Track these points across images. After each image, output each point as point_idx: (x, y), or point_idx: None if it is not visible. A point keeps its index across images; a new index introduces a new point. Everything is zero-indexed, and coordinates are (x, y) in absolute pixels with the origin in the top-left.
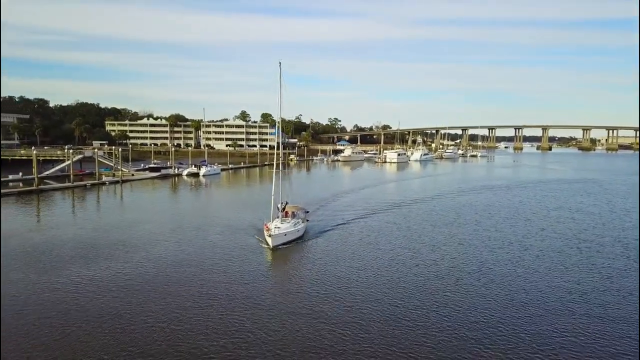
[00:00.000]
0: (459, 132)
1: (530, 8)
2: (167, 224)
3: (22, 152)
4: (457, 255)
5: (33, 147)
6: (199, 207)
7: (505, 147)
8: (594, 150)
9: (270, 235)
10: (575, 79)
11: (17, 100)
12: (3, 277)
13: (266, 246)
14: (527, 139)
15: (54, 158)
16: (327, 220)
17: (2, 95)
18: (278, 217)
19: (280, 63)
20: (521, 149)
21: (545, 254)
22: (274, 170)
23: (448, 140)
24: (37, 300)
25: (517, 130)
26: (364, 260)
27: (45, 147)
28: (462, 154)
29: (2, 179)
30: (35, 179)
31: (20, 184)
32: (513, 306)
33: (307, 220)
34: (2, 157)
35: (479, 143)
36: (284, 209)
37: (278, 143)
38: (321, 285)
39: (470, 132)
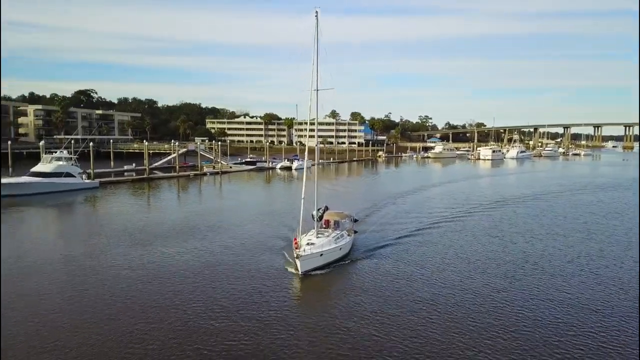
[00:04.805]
0: (560, 130)
1: None
2: (252, 211)
3: (135, 146)
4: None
5: (145, 142)
6: (287, 196)
7: (614, 146)
8: None
9: (298, 257)
10: None
11: (130, 101)
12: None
13: (294, 271)
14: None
15: (161, 151)
16: (391, 229)
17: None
18: (313, 229)
19: (317, 13)
20: (632, 148)
21: None
22: (305, 165)
23: (547, 138)
24: (124, 267)
25: (627, 128)
26: (442, 294)
27: (154, 142)
28: (564, 152)
29: (117, 169)
30: (146, 169)
31: (134, 174)
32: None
33: (355, 232)
34: (105, 151)
35: (583, 142)
36: (321, 217)
37: (312, 123)
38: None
39: (573, 130)
